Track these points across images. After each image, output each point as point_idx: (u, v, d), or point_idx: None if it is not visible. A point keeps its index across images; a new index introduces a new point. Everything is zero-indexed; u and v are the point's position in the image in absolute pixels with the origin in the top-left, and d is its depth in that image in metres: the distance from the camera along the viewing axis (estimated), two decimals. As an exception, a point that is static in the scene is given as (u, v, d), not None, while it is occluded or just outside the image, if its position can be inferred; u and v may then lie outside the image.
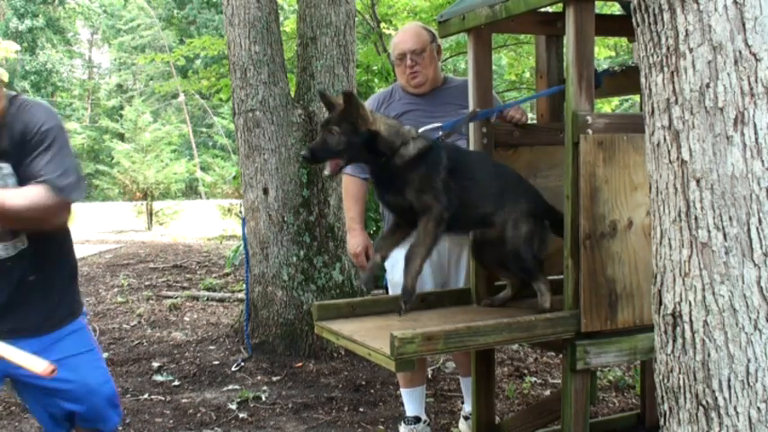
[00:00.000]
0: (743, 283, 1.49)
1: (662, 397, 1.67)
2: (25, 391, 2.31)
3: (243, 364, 4.47)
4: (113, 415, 2.37)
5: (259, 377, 4.29)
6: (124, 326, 5.68)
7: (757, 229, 1.48)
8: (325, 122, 2.32)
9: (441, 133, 2.54)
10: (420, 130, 2.44)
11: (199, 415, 3.72)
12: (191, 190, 21.36)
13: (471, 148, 2.71)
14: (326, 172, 2.38)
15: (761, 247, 1.48)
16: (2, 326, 2.13)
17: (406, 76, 3.11)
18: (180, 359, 4.70)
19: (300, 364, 4.44)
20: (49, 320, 2.24)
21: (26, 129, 2.10)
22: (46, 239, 2.21)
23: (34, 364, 1.97)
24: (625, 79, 2.93)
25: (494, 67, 3.52)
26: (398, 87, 3.24)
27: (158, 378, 4.32)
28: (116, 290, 7.14)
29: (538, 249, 2.45)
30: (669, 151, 1.57)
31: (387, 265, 3.28)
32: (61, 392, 2.24)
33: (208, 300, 6.54)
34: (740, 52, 1.46)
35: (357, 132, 2.26)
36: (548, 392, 3.96)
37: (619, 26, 2.99)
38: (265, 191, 4.62)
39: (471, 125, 2.70)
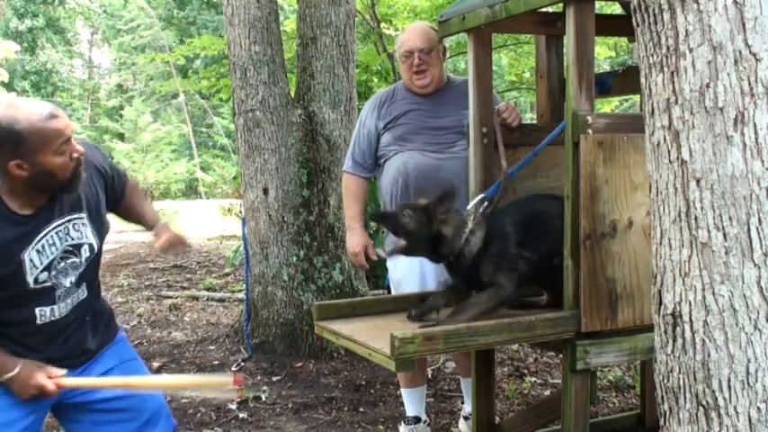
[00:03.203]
0: (743, 283, 1.49)
1: (662, 397, 1.67)
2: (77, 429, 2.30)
3: (243, 364, 4.47)
4: (170, 425, 2.38)
5: (259, 377, 4.29)
6: (124, 326, 5.66)
7: (757, 229, 1.48)
8: (404, 205, 2.42)
9: (486, 204, 2.51)
10: (467, 209, 2.44)
11: (199, 415, 3.72)
12: (191, 190, 21.32)
13: (471, 148, 2.71)
14: (383, 253, 2.59)
15: (761, 247, 1.48)
16: (70, 362, 2.21)
17: (411, 74, 3.11)
18: (180, 359, 4.70)
19: (300, 364, 4.44)
20: (101, 344, 2.31)
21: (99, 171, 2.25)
22: (96, 279, 2.31)
23: (222, 379, 2.17)
24: (625, 79, 2.93)
25: (494, 68, 3.53)
26: (401, 86, 3.24)
27: (158, 378, 4.33)
28: (116, 290, 7.14)
29: None
30: (669, 151, 1.57)
31: (389, 264, 3.28)
32: (118, 413, 2.23)
33: (208, 300, 6.54)
34: (740, 52, 1.46)
35: (428, 226, 2.31)
36: (548, 392, 3.96)
37: (619, 26, 2.99)
38: (265, 191, 4.62)
39: (471, 125, 2.70)
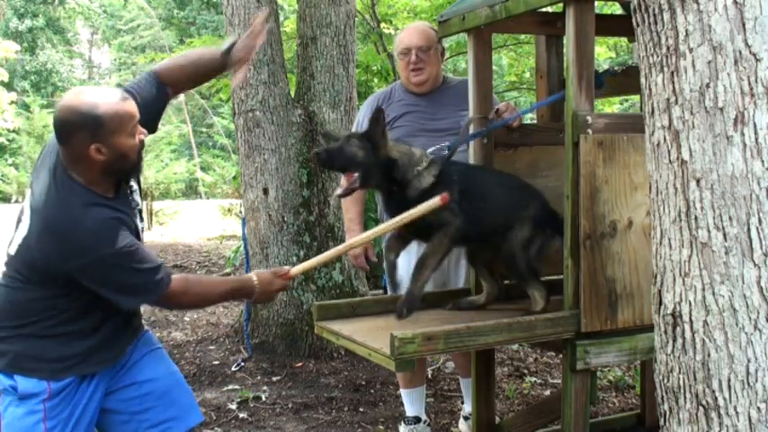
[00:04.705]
0: (743, 283, 1.49)
1: (662, 397, 1.67)
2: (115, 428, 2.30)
3: (243, 364, 4.47)
4: (197, 408, 2.38)
5: (259, 377, 4.29)
6: (124, 326, 5.67)
7: (757, 229, 1.48)
8: (347, 135, 2.36)
9: (446, 151, 2.56)
10: (428, 151, 2.45)
11: (199, 415, 3.72)
12: (191, 190, 21.29)
13: (471, 148, 2.71)
14: (338, 192, 2.36)
15: (761, 247, 1.48)
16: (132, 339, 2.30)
17: (408, 72, 3.10)
18: (180, 359, 4.70)
19: (300, 364, 4.44)
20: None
21: None
22: None
23: (430, 203, 2.22)
24: (625, 79, 2.93)
25: (494, 68, 3.53)
26: (398, 87, 3.23)
27: (158, 378, 4.32)
28: (116, 290, 7.12)
29: (535, 256, 2.46)
30: (669, 151, 1.57)
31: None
32: (150, 398, 2.25)
33: (208, 300, 6.52)
34: (740, 52, 1.46)
35: (377, 155, 2.28)
36: (548, 392, 3.96)
37: (619, 26, 2.99)
38: (265, 191, 4.62)
39: (472, 126, 2.70)
